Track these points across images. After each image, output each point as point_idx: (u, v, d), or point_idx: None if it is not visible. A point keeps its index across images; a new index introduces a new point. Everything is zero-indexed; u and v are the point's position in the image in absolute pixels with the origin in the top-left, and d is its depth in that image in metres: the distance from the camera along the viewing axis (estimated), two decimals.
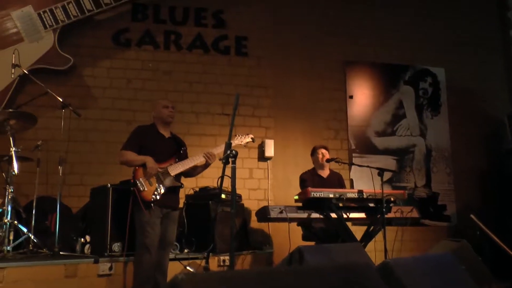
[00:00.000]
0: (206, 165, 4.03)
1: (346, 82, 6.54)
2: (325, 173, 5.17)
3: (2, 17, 5.58)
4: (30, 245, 4.17)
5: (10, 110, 4.63)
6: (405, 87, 6.74)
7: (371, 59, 6.69)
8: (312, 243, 4.81)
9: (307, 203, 4.44)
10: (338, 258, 3.32)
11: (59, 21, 5.63)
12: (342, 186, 5.26)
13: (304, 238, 4.95)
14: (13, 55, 4.67)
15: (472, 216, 5.06)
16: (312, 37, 6.55)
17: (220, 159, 3.07)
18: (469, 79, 6.95)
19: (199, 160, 3.97)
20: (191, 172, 4.10)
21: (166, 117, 4.09)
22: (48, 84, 5.00)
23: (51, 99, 4.92)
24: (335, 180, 5.19)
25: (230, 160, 2.92)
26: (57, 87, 5.32)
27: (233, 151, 2.94)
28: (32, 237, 4.20)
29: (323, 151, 5.14)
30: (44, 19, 5.61)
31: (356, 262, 2.67)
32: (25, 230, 4.19)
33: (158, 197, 3.78)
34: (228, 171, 3.02)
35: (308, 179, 5.05)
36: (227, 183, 3.29)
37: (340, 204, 4.46)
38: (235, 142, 4.12)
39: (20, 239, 4.17)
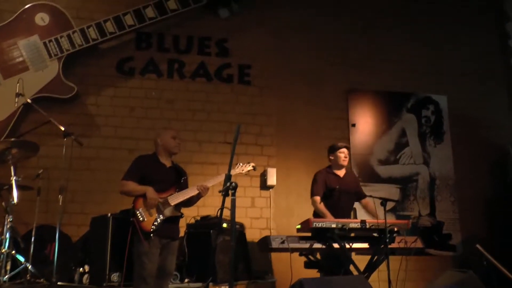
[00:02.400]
0: (199, 197, 4.01)
1: (349, 110, 6.55)
2: (341, 172, 4.98)
3: (9, 46, 5.66)
4: (28, 275, 4.12)
5: (12, 139, 4.65)
6: (407, 115, 6.73)
7: (374, 87, 6.71)
8: (315, 271, 4.73)
9: (310, 233, 4.39)
10: None
11: (64, 50, 5.70)
12: (358, 186, 5.09)
13: (307, 266, 4.87)
14: (17, 85, 4.71)
15: (478, 246, 4.98)
16: (315, 66, 6.60)
17: (219, 191, 3.04)
18: (472, 107, 6.94)
19: (194, 192, 3.96)
20: (189, 202, 4.07)
21: (173, 148, 4.09)
22: (51, 112, 5.04)
23: (54, 127, 4.94)
24: (352, 180, 5.04)
25: (230, 192, 2.89)
26: (61, 115, 5.37)
27: (233, 183, 2.91)
28: (30, 267, 4.15)
29: (346, 152, 4.96)
30: (50, 48, 5.69)
31: None
32: (22, 260, 4.15)
33: (157, 227, 3.75)
34: (228, 203, 2.99)
35: (321, 180, 4.86)
36: (229, 212, 3.25)
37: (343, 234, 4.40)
38: (236, 171, 4.12)
39: (17, 270, 4.13)
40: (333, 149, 5.01)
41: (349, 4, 6.92)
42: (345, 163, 4.96)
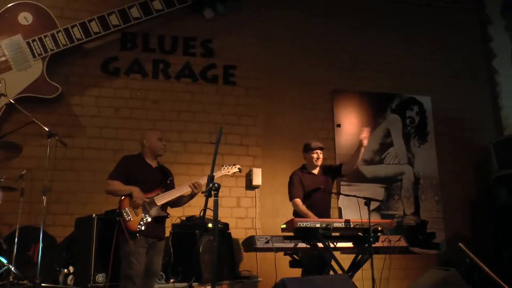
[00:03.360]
0: (192, 195, 4.04)
1: (334, 111, 6.59)
2: (316, 170, 4.95)
3: None
4: (11, 277, 4.07)
5: None
6: (392, 115, 6.80)
7: (358, 88, 6.76)
8: (300, 270, 4.75)
9: (294, 232, 4.41)
10: None
11: (48, 49, 5.65)
12: (333, 176, 5.00)
13: (292, 265, 4.89)
14: (0, 85, 4.67)
15: (460, 244, 5.03)
16: (300, 67, 6.63)
17: (202, 192, 3.06)
18: (455, 107, 7.04)
19: (185, 190, 3.98)
20: (178, 202, 4.09)
21: (159, 150, 4.12)
22: (35, 112, 4.99)
23: (37, 128, 4.90)
24: (328, 173, 4.97)
25: (212, 193, 2.90)
26: (45, 115, 5.35)
27: (216, 184, 2.93)
28: (13, 268, 4.11)
29: (319, 153, 4.90)
30: (33, 48, 5.63)
31: None
32: (5, 261, 4.11)
33: (143, 227, 3.76)
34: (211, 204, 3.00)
35: (297, 181, 4.83)
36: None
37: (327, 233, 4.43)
38: (222, 172, 4.17)
39: (0, 271, 4.08)
40: (307, 149, 4.96)
41: (335, 6, 6.98)
42: (318, 163, 4.92)
